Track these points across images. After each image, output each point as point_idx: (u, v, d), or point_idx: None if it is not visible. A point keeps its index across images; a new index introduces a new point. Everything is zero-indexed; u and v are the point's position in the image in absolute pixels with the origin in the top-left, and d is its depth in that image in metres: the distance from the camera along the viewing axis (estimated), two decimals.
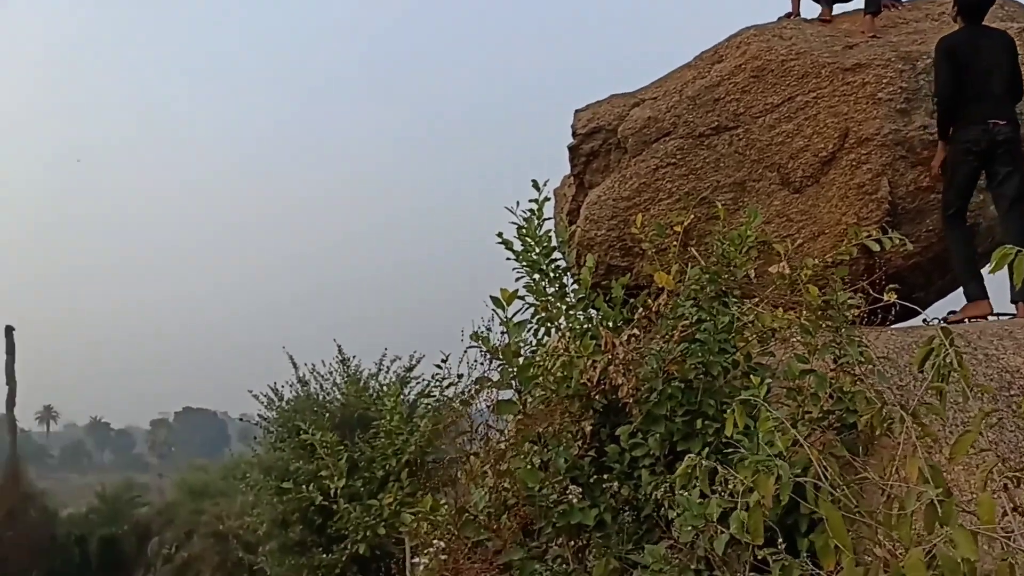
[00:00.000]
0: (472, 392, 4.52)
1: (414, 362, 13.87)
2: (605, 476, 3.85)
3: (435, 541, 3.60)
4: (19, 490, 27.55)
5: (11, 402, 29.38)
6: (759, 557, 2.76)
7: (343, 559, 9.61)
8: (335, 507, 6.32)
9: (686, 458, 2.55)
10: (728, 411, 2.79)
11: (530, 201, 5.50)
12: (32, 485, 29.25)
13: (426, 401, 12.47)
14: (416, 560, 3.57)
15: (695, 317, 4.01)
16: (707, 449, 3.29)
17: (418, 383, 13.01)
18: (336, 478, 5.60)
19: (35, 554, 26.11)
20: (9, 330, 29.20)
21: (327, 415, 10.90)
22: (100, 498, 29.70)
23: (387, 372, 13.86)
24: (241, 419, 16.79)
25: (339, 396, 13.72)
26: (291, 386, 14.27)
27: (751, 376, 3.57)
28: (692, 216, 5.41)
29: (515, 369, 3.94)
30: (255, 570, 17.30)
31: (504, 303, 4.22)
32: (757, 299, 4.60)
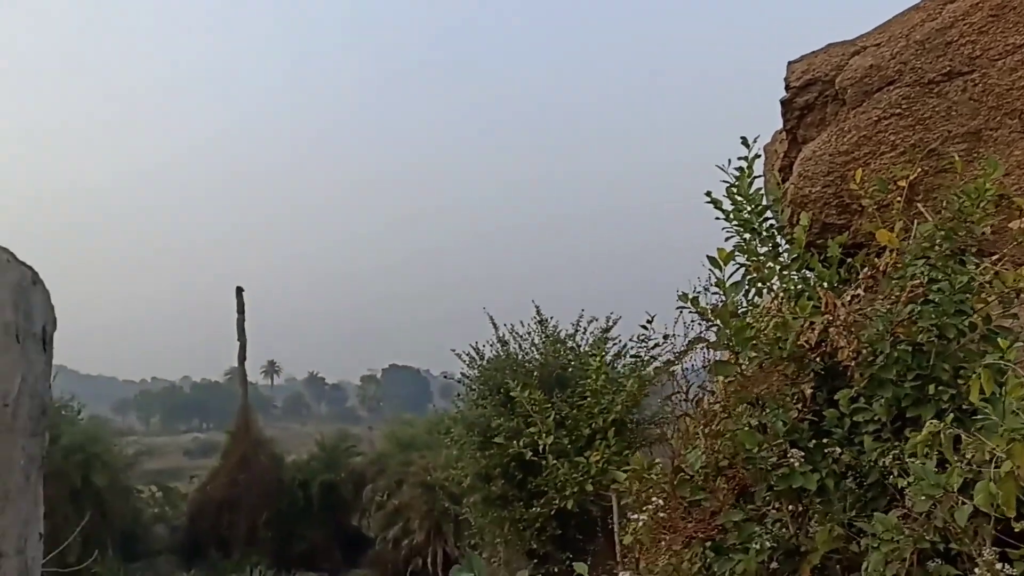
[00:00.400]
0: (683, 352, 4.48)
1: (611, 324, 13.95)
2: (824, 440, 3.72)
3: (653, 499, 3.63)
4: (251, 437, 30.32)
5: (242, 356, 32.19)
6: (1016, 530, 2.57)
7: (550, 512, 9.88)
8: (544, 463, 6.50)
9: (928, 424, 2.42)
10: (972, 376, 2.61)
11: (739, 159, 5.35)
12: (261, 433, 32.01)
13: (624, 362, 12.53)
14: (635, 516, 3.61)
15: (927, 277, 3.76)
16: (949, 416, 3.08)
17: (615, 344, 13.08)
18: (544, 434, 5.73)
19: (265, 495, 28.72)
20: (239, 291, 31.94)
21: (535, 375, 11.16)
22: (320, 447, 32.08)
23: (584, 333, 14.03)
24: (445, 376, 17.51)
25: (537, 356, 14.03)
26: (491, 345, 14.75)
27: (997, 339, 3.30)
28: (918, 170, 5.05)
29: (731, 330, 3.86)
30: (460, 520, 18.22)
31: (721, 263, 4.13)
32: (996, 257, 4.24)
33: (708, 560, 3.66)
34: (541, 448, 5.70)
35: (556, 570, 9.81)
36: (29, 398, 5.40)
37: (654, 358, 6.41)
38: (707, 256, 4.16)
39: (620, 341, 13.32)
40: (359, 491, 28.67)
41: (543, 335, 14.35)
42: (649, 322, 5.68)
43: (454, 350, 15.09)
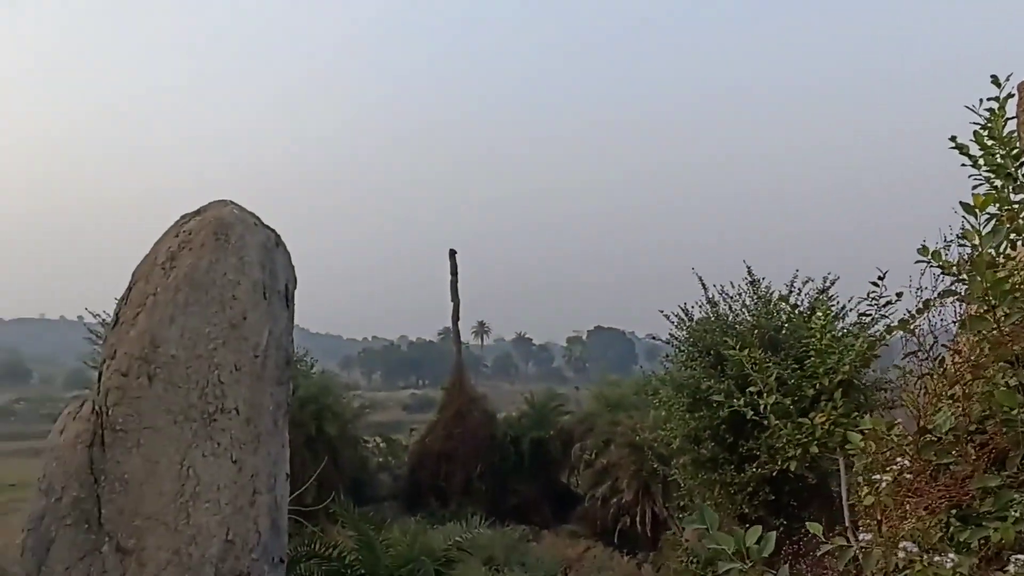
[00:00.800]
0: (923, 308, 4.14)
1: (828, 284, 13.23)
2: None
3: (898, 459, 3.41)
4: (465, 393, 31.58)
5: (455, 317, 33.45)
6: None
7: (771, 474, 9.57)
8: (766, 423, 6.29)
9: None
10: None
11: (989, 99, 4.85)
12: (474, 390, 33.23)
13: (845, 323, 11.85)
14: (878, 476, 3.40)
15: None
16: None
17: (833, 304, 12.42)
18: (766, 394, 5.53)
19: (479, 449, 29.88)
20: (452, 253, 33.13)
21: (756, 333, 10.83)
22: (529, 404, 32.90)
23: (799, 294, 13.41)
24: (653, 338, 17.38)
25: (749, 317, 13.57)
26: (700, 306, 14.46)
27: None
28: None
29: (988, 282, 3.51)
30: (669, 481, 18.11)
31: (977, 210, 3.76)
32: None
33: (952, 529, 3.40)
34: (762, 408, 5.50)
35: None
36: (275, 350, 5.92)
37: (884, 316, 6.00)
38: (960, 203, 3.80)
39: (838, 302, 12.62)
40: (567, 449, 29.17)
41: (755, 296, 13.84)
42: (881, 279, 5.30)
43: (662, 311, 14.92)
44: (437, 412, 33.02)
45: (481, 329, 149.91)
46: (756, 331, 11.37)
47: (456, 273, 33.11)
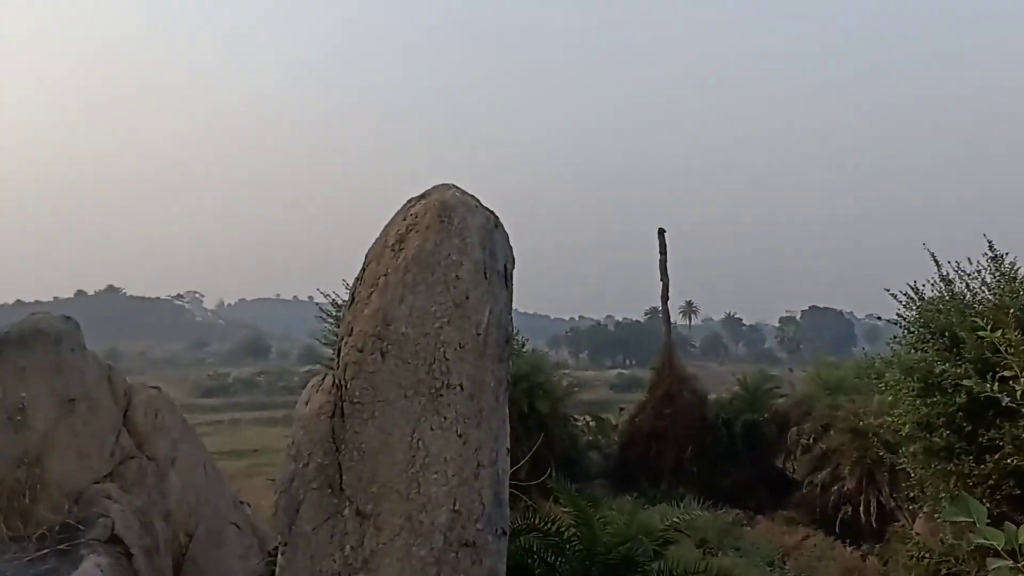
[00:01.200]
0: None
1: None
2: None
3: None
4: (675, 373, 31.22)
5: (665, 296, 33.10)
6: None
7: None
8: (1022, 410, 5.76)
9: None
10: None
11: None
12: (684, 370, 32.77)
13: None
14: None
15: None
16: None
17: None
18: (1023, 379, 5.04)
19: (689, 430, 29.49)
20: (661, 232, 32.75)
21: (1011, 312, 10.00)
22: (741, 386, 32.01)
23: None
24: (878, 318, 16.46)
25: (990, 296, 12.64)
26: (932, 284, 13.63)
27: None
28: None
29: None
30: (897, 470, 17.03)
31: None
32: None
33: None
34: (1019, 395, 4.99)
35: None
36: (496, 328, 6.11)
37: None
38: None
39: None
40: (782, 432, 28.12)
41: (996, 272, 12.78)
42: None
43: (888, 289, 14.13)
44: (646, 392, 32.93)
45: (689, 309, 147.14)
46: (997, 312, 10.44)
47: (665, 252, 32.75)
